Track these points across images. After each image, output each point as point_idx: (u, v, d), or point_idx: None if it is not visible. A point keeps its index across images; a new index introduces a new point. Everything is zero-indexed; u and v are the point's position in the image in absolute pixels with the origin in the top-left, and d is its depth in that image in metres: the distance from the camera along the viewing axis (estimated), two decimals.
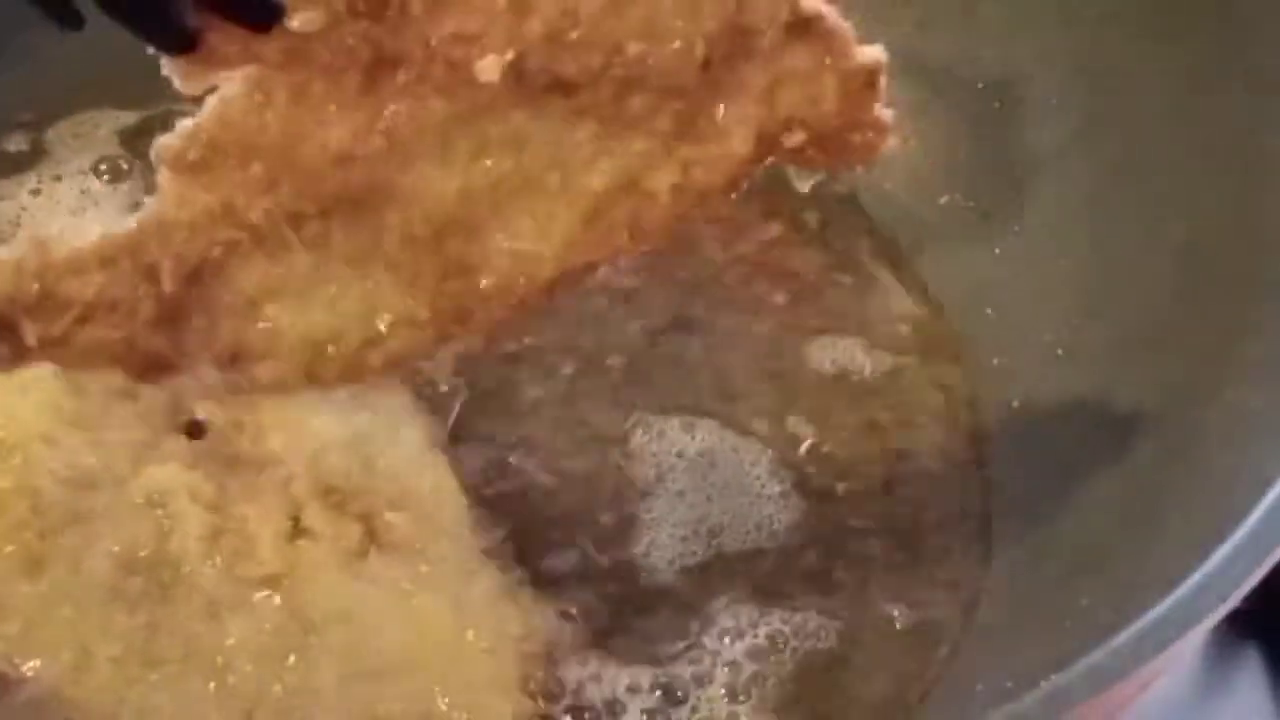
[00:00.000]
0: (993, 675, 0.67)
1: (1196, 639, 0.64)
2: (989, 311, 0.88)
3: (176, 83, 0.66)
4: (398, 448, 0.78)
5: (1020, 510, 0.81)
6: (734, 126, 0.69)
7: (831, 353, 0.87)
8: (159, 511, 0.74)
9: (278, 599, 0.73)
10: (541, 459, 0.82)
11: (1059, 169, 0.88)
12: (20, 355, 0.69)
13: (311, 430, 0.77)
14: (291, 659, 0.72)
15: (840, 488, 0.83)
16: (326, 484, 0.76)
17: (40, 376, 0.78)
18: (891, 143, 0.71)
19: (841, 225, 0.93)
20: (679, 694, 0.75)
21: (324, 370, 0.70)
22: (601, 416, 0.84)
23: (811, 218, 0.93)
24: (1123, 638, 0.61)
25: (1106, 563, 0.72)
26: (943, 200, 0.91)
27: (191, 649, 0.72)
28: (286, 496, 0.75)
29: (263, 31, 0.65)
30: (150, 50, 0.66)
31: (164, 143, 0.67)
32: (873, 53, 0.70)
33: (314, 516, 0.75)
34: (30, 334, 0.68)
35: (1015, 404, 0.85)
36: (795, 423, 0.84)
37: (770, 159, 0.70)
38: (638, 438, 0.83)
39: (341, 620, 0.73)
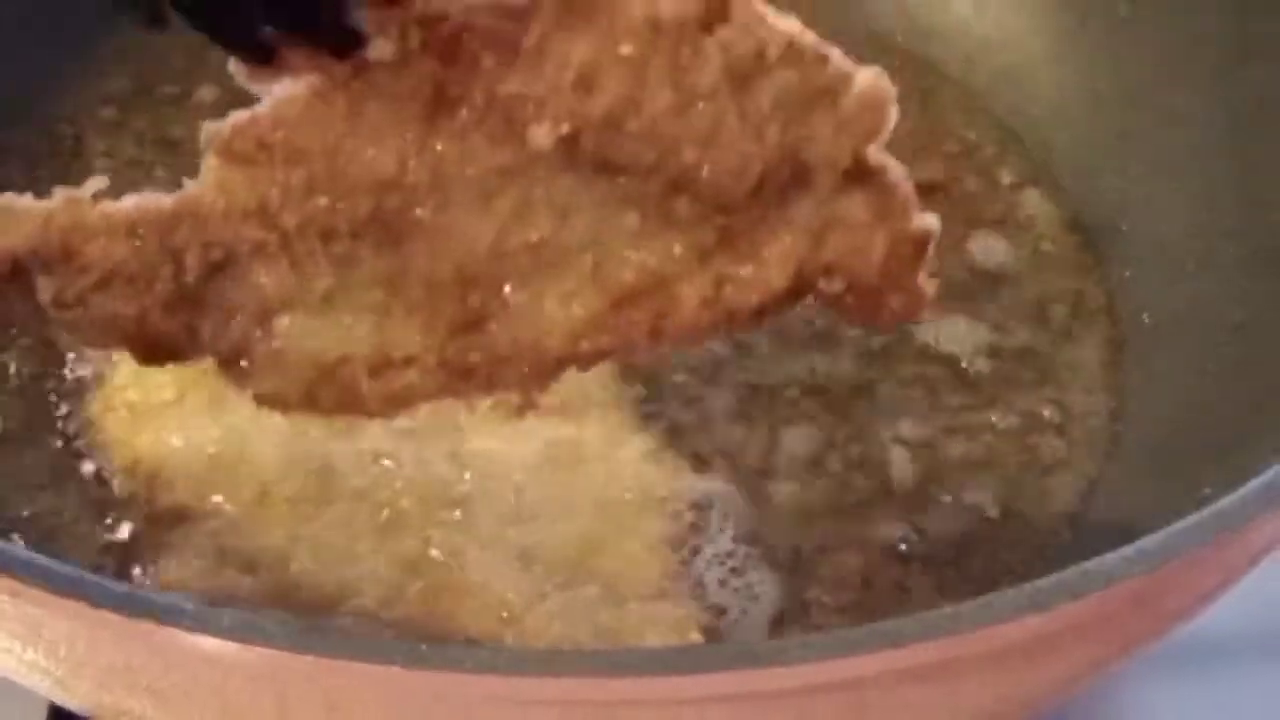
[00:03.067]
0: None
1: None
2: (1124, 227, 0.90)
3: (240, 79, 0.66)
4: None
5: (1149, 411, 0.83)
6: (775, 257, 0.67)
7: (971, 258, 0.89)
8: None
9: (441, 450, 0.77)
10: None
11: (1196, 94, 0.89)
12: (31, 313, 0.66)
13: None
14: (452, 504, 0.75)
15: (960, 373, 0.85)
16: None
17: None
18: (926, 316, 0.70)
19: (989, 143, 0.95)
20: None
21: (322, 395, 0.68)
22: None
23: (961, 136, 0.95)
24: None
25: (1229, 459, 0.73)
26: (1084, 123, 0.93)
27: (361, 493, 0.75)
28: None
29: (340, 58, 0.65)
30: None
31: (214, 128, 0.66)
32: (929, 220, 0.68)
33: None
34: (46, 290, 0.66)
35: (1146, 317, 0.87)
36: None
37: (803, 299, 0.68)
38: None
39: (499, 473, 0.76)
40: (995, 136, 0.95)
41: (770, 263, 0.67)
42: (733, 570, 0.76)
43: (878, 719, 0.62)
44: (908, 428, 0.83)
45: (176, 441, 0.77)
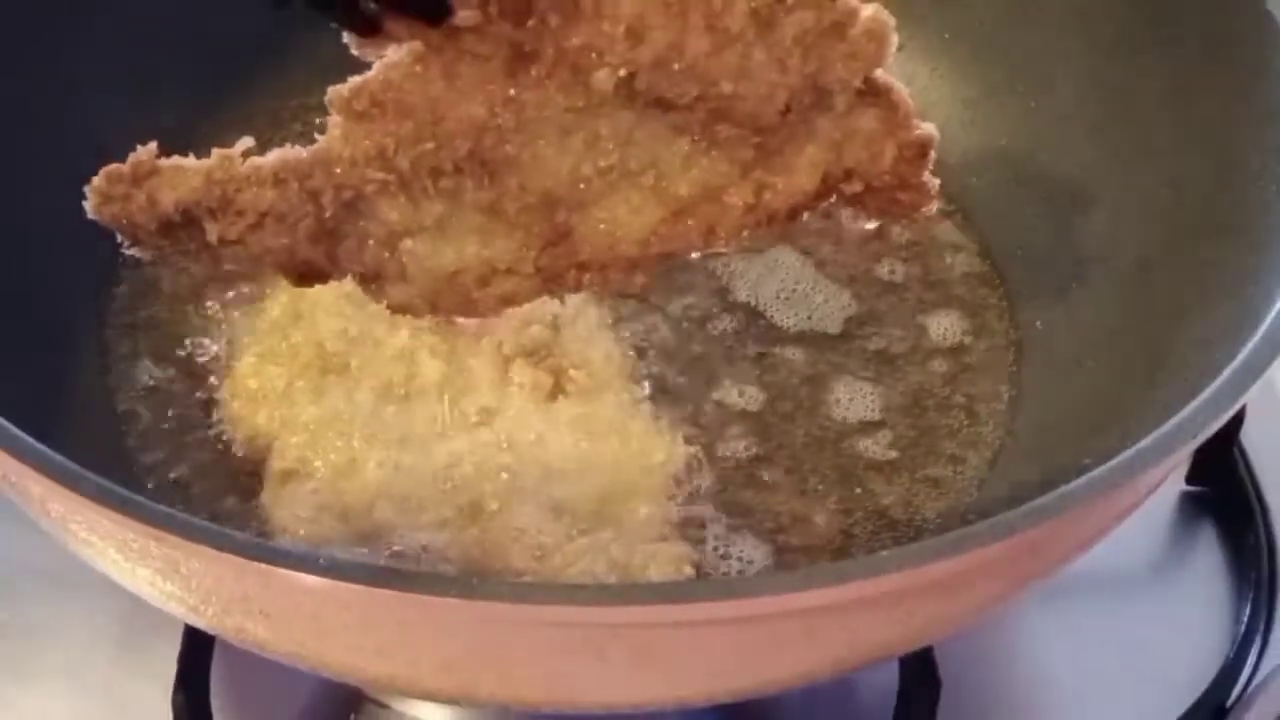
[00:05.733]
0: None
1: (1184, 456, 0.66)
2: (1020, 254, 0.88)
3: (354, 49, 0.64)
4: (580, 325, 0.80)
5: (1041, 399, 0.82)
6: (804, 166, 0.65)
7: (902, 279, 0.88)
8: (407, 362, 0.77)
9: (491, 426, 0.76)
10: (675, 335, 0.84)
11: (1074, 153, 0.87)
12: (203, 251, 0.65)
13: (519, 312, 0.79)
14: (501, 469, 0.74)
15: (892, 369, 0.84)
16: (529, 348, 0.78)
17: None
18: (932, 208, 0.67)
19: None
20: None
21: (443, 301, 0.66)
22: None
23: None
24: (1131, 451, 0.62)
25: (1103, 437, 0.71)
26: (990, 171, 0.91)
27: (430, 459, 0.74)
28: (499, 355, 0.78)
29: (434, 25, 0.62)
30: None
31: (337, 90, 0.64)
32: (928, 128, 0.66)
33: (518, 370, 0.78)
34: (212, 232, 0.64)
35: (1039, 324, 0.85)
36: (856, 319, 0.86)
37: (828, 199, 0.67)
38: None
39: (536, 443, 0.75)
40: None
41: (800, 171, 0.65)
42: (718, 521, 0.75)
43: (829, 638, 0.62)
44: (855, 413, 0.81)
45: (286, 419, 0.76)
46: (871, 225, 0.87)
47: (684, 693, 0.63)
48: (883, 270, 0.88)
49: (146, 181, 0.63)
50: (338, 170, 0.64)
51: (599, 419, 0.76)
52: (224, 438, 0.78)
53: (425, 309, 0.66)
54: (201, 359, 0.81)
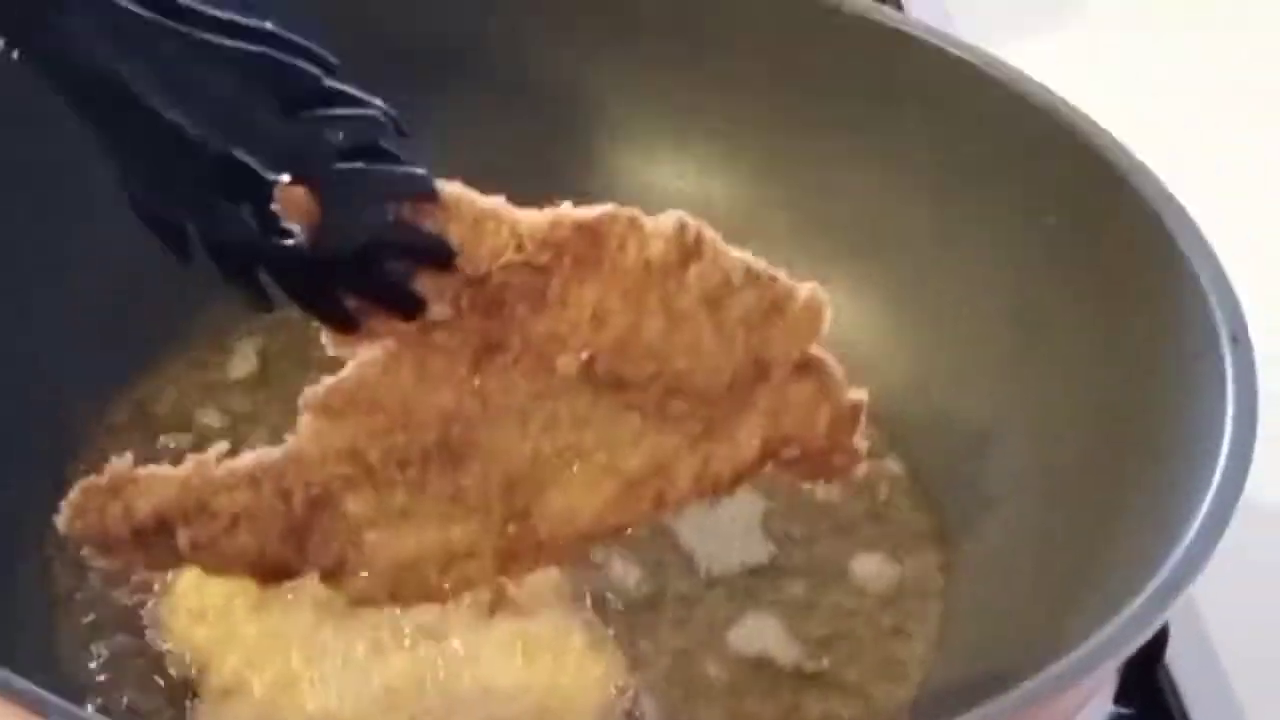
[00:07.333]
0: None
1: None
2: (952, 475, 0.89)
3: (330, 348, 0.66)
4: None
5: (971, 617, 0.83)
6: (746, 436, 0.68)
7: (836, 506, 0.88)
8: None
9: (430, 643, 0.76)
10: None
11: (993, 378, 0.90)
12: (173, 558, 0.66)
13: None
14: (437, 684, 0.74)
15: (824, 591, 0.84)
16: None
17: None
18: (862, 469, 0.71)
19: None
20: None
21: (403, 589, 0.68)
22: None
23: None
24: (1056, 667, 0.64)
25: (1034, 652, 0.71)
26: (919, 400, 0.92)
27: (368, 677, 0.74)
28: None
29: (408, 320, 0.64)
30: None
31: (313, 391, 0.65)
32: (858, 395, 0.70)
33: None
34: (184, 539, 0.65)
35: (967, 546, 0.86)
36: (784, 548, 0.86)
37: (769, 465, 0.70)
38: None
39: (474, 660, 0.75)
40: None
41: (743, 440, 0.68)
42: None
43: None
44: (788, 635, 0.82)
45: (225, 636, 0.76)
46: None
47: None
48: (810, 494, 0.89)
49: (123, 492, 0.64)
50: (309, 469, 0.65)
51: (536, 635, 0.77)
52: (162, 655, 0.77)
53: (385, 599, 0.68)
54: (140, 574, 0.80)
